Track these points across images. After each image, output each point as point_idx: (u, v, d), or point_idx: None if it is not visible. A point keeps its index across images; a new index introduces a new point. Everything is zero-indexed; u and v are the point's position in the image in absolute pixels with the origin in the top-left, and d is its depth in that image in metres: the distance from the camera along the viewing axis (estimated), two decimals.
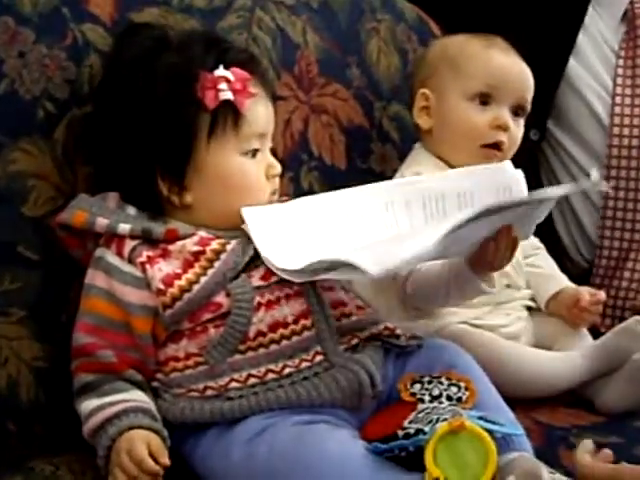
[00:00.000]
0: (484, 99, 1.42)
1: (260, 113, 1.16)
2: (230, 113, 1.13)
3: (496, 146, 1.42)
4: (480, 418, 1.01)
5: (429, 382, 1.09)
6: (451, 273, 1.24)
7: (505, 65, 1.43)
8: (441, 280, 1.26)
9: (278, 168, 1.19)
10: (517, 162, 1.53)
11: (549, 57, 1.68)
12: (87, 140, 1.18)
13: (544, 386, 1.35)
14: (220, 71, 1.13)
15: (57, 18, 1.20)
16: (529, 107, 1.45)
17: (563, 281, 1.50)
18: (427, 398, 1.08)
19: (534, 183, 1.66)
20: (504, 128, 1.41)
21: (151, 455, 1.02)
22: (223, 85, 1.12)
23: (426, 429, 1.00)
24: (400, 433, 1.02)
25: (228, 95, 1.12)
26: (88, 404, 1.08)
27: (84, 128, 1.19)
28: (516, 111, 1.43)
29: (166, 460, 1.03)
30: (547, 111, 1.73)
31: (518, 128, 1.44)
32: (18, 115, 1.15)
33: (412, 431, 1.01)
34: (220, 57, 1.14)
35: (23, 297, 1.14)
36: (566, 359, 1.36)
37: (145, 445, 1.03)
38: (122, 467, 1.02)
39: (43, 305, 1.15)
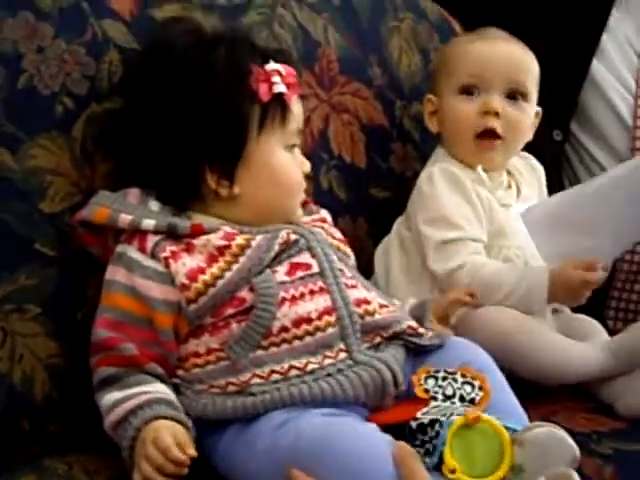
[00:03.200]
0: (469, 89, 1.42)
1: (299, 109, 1.19)
2: (278, 107, 1.15)
3: (490, 134, 1.42)
4: None
5: (443, 378, 1.08)
6: (522, 283, 1.32)
7: (485, 52, 1.43)
8: (507, 286, 1.33)
9: (309, 165, 1.22)
10: (540, 163, 1.53)
11: (573, 57, 1.67)
12: (115, 134, 1.18)
13: (564, 372, 1.32)
14: (272, 65, 1.15)
15: (77, 13, 1.19)
16: (530, 89, 1.44)
17: None
18: (440, 397, 1.07)
19: (556, 184, 1.66)
20: (492, 113, 1.41)
21: (177, 445, 1.01)
22: (276, 78, 1.14)
23: (442, 419, 1.01)
24: (413, 424, 1.03)
25: (281, 88, 1.14)
26: (110, 397, 1.06)
27: (113, 122, 1.18)
28: (512, 95, 1.43)
29: (192, 451, 1.01)
30: (570, 111, 1.71)
31: (519, 112, 1.43)
32: (36, 111, 1.14)
33: (426, 421, 1.02)
34: (265, 53, 1.17)
35: (39, 294, 1.13)
36: (586, 348, 1.34)
37: (171, 434, 1.01)
38: (147, 456, 1.00)
39: (59, 302, 1.14)
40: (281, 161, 1.17)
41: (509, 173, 1.48)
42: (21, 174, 1.12)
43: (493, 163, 1.44)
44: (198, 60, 1.13)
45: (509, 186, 1.46)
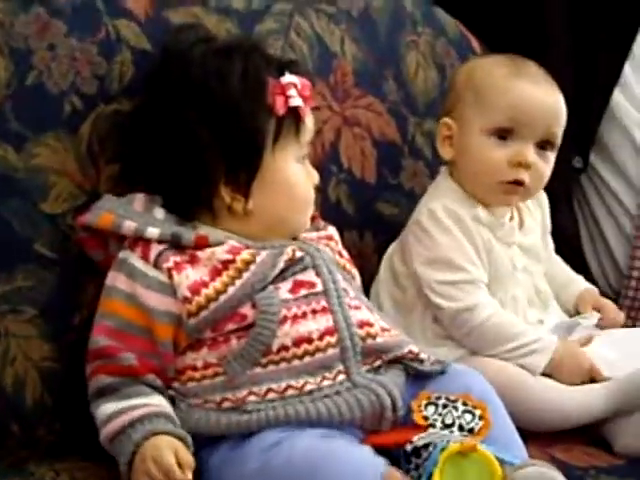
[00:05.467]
0: (504, 134, 1.34)
1: (311, 121, 1.18)
2: (293, 120, 1.14)
3: (517, 182, 1.35)
4: None
5: (444, 406, 1.07)
6: (533, 344, 1.31)
7: (531, 97, 1.34)
8: (516, 341, 1.31)
9: (317, 177, 1.20)
10: (555, 190, 1.50)
11: (594, 85, 1.64)
12: (124, 137, 1.16)
13: (564, 419, 1.30)
14: (288, 77, 1.14)
15: (91, 11, 1.18)
16: (559, 140, 1.37)
17: (582, 283, 1.51)
18: (439, 425, 1.05)
19: (567, 214, 1.64)
20: (525, 166, 1.33)
21: (178, 465, 0.99)
22: (292, 91, 1.13)
23: (437, 441, 1.00)
24: (408, 447, 1.02)
25: (297, 102, 1.13)
26: (107, 407, 1.04)
27: (122, 124, 1.16)
28: (543, 145, 1.35)
29: (189, 475, 0.99)
30: (590, 140, 1.68)
31: (546, 163, 1.36)
32: (44, 109, 1.13)
33: (420, 444, 1.01)
34: (280, 64, 1.16)
35: (36, 296, 1.11)
36: (588, 392, 1.32)
37: (172, 453, 1.00)
38: (149, 474, 0.99)
39: (56, 305, 1.13)
40: (295, 175, 1.15)
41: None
42: (24, 172, 1.11)
43: (510, 206, 1.39)
44: (214, 71, 1.12)
45: (511, 217, 1.40)
